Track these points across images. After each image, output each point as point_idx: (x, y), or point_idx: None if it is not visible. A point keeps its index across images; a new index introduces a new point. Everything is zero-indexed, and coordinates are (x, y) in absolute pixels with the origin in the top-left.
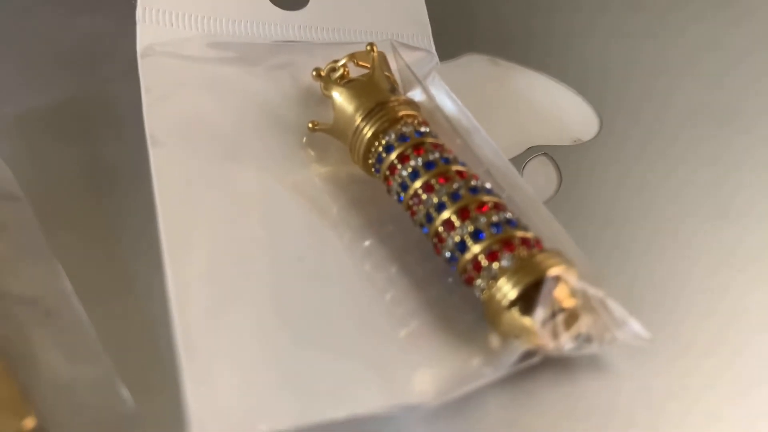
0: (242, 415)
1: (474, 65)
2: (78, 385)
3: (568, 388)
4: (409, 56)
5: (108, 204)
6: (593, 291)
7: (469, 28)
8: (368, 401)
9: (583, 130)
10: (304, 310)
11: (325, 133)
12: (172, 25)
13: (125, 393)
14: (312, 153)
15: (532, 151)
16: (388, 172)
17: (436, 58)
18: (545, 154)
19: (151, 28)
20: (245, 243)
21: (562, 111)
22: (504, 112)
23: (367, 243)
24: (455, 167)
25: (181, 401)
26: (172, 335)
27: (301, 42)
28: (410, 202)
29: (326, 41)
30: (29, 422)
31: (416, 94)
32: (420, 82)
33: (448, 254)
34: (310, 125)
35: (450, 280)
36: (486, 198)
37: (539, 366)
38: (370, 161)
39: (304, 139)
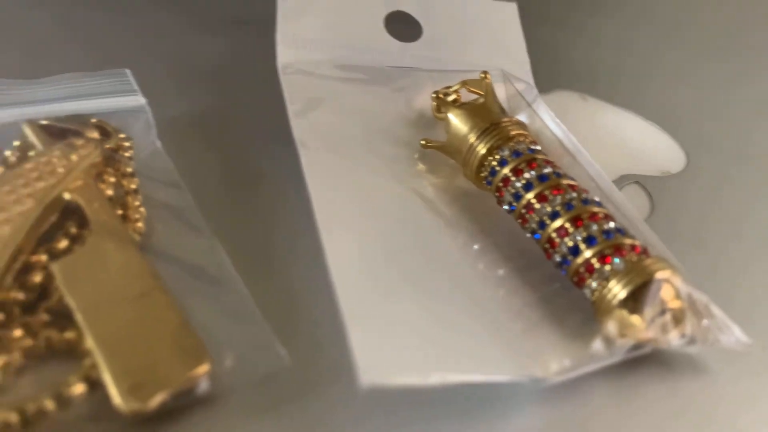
0: (402, 365)
1: (565, 100)
2: (237, 342)
3: (670, 384)
4: (513, 88)
5: (253, 194)
6: (698, 295)
7: (559, 66)
8: (501, 368)
9: (671, 164)
10: (435, 287)
11: (437, 150)
12: (305, 48)
13: (282, 350)
14: (423, 166)
15: (624, 179)
16: (501, 184)
17: (536, 90)
18: (637, 182)
19: (289, 50)
20: (383, 227)
21: (649, 145)
22: (594, 144)
23: (476, 247)
24: (567, 181)
25: (332, 359)
26: (318, 302)
27: (416, 69)
28: (522, 211)
29: (436, 71)
30: (205, 367)
31: (523, 118)
32: (529, 105)
33: (559, 258)
34: (423, 142)
35: (557, 285)
36: (596, 209)
37: (644, 363)
38: (482, 174)
39: (416, 154)
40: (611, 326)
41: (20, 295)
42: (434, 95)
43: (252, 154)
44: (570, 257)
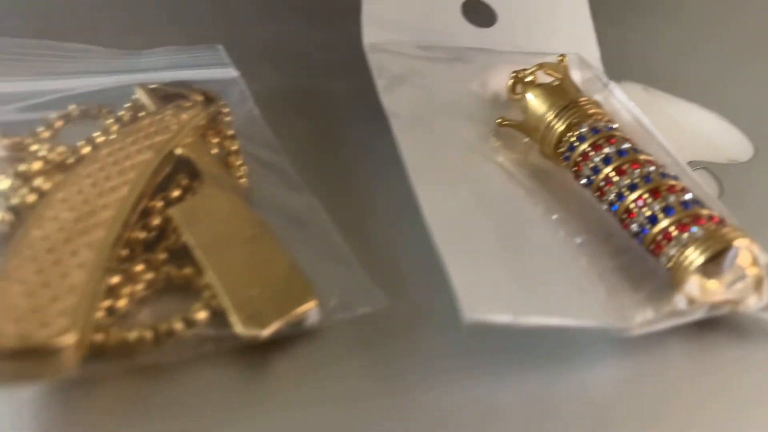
0: (500, 306)
1: (628, 91)
2: (337, 284)
3: (744, 347)
4: (587, 72)
5: (344, 157)
6: None
7: (621, 60)
8: (590, 316)
9: (738, 153)
10: (523, 246)
11: (512, 128)
12: (388, 29)
13: (379, 292)
14: (499, 143)
15: (692, 165)
16: (579, 159)
17: (606, 77)
18: (705, 168)
19: (373, 30)
20: (471, 186)
21: (714, 135)
22: (660, 133)
23: (554, 216)
24: (644, 156)
25: (422, 302)
26: (407, 251)
27: (492, 50)
28: (601, 184)
29: (510, 56)
30: (312, 303)
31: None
32: (605, 86)
33: (636, 228)
34: (499, 120)
35: (632, 254)
36: (674, 182)
37: (721, 326)
38: (560, 150)
39: (492, 132)
40: (689, 288)
41: (142, 235)
42: (513, 75)
43: (340, 123)
44: (648, 226)
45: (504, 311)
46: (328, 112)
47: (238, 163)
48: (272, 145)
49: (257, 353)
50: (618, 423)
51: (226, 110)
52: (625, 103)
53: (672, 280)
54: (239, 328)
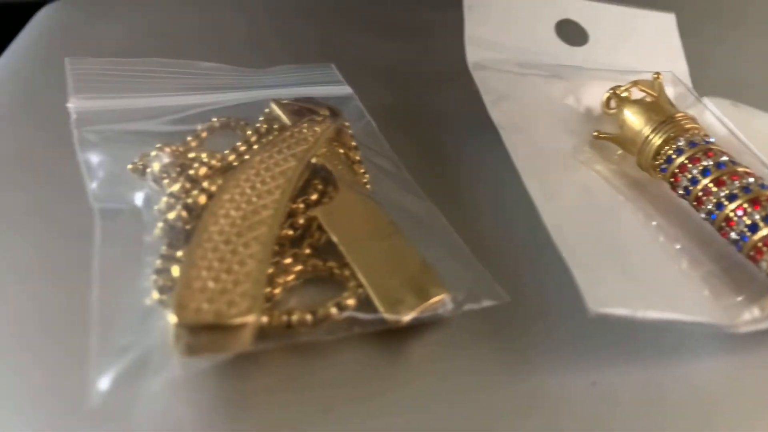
0: (619, 300)
1: (716, 106)
2: (462, 280)
3: None
4: (680, 88)
5: (455, 166)
6: None
7: (706, 76)
8: (699, 312)
9: None
10: (629, 248)
11: (608, 141)
12: (489, 49)
13: (501, 289)
14: (597, 154)
15: None
16: (677, 170)
17: (695, 94)
18: None
19: (476, 50)
20: (578, 190)
21: None
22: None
23: (654, 223)
24: (742, 168)
25: (542, 296)
26: (519, 248)
27: (585, 68)
28: (699, 194)
29: (601, 73)
30: (443, 296)
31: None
32: (698, 101)
33: (736, 235)
34: (596, 133)
35: (731, 260)
36: None
37: None
38: (657, 162)
39: (586, 145)
40: None
41: (290, 232)
42: (610, 91)
43: (447, 134)
44: (748, 234)
45: (624, 305)
46: (434, 123)
47: (362, 170)
48: (389, 155)
49: (395, 337)
50: (723, 413)
51: (347, 123)
52: (719, 118)
53: None
54: (386, 314)
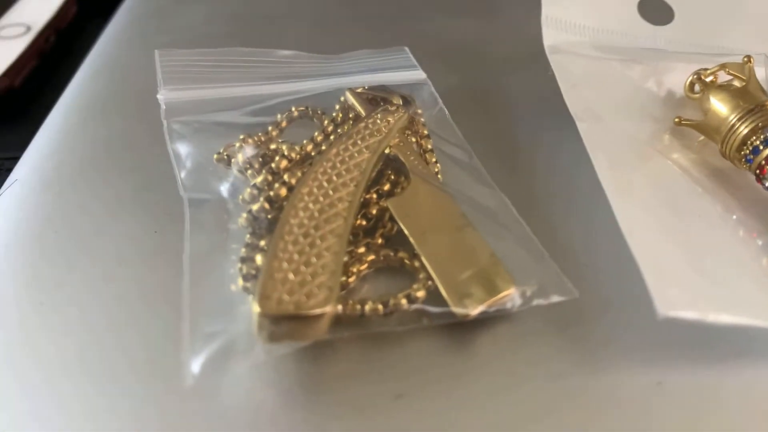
0: (689, 303)
1: None
2: (532, 274)
3: None
4: None
5: (521, 156)
6: None
7: None
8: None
9: None
10: (705, 243)
11: (690, 128)
12: (566, 31)
13: (570, 284)
14: (676, 142)
15: None
16: (764, 162)
17: None
18: None
19: (553, 33)
20: (654, 183)
21: None
22: None
23: (734, 216)
24: None
25: (612, 293)
26: (591, 245)
27: (666, 51)
28: None
29: (687, 54)
30: (512, 290)
31: None
32: None
33: None
34: (677, 120)
35: None
36: None
37: None
38: (743, 152)
39: (666, 131)
40: None
41: (363, 222)
42: (695, 75)
43: (520, 120)
44: None
45: (694, 308)
46: (507, 108)
47: (434, 160)
48: (461, 144)
49: (464, 329)
50: None
51: (419, 111)
52: None
53: None
54: (454, 307)
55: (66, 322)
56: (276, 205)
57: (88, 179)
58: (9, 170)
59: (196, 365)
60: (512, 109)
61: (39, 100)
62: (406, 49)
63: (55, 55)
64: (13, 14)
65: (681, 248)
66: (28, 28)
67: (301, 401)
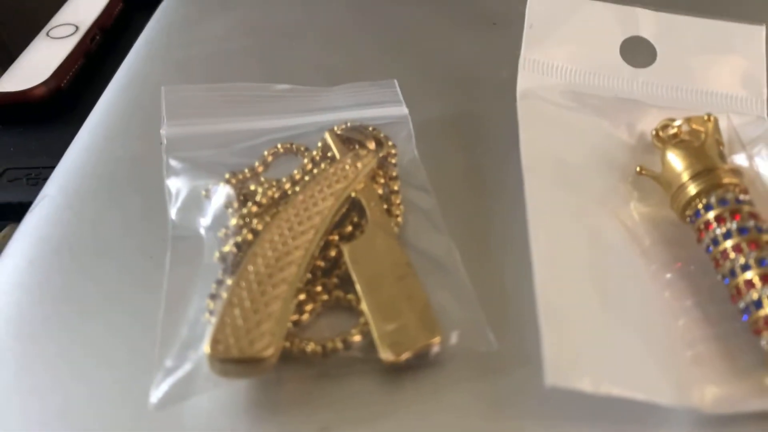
0: (580, 373)
1: None
2: (459, 323)
3: None
4: (739, 119)
5: (483, 199)
6: None
7: None
8: (662, 393)
9: None
10: (621, 309)
11: (650, 178)
12: (544, 74)
13: (491, 336)
14: (635, 192)
15: None
16: (702, 226)
17: (767, 124)
18: None
19: (529, 76)
20: (585, 245)
21: None
22: None
23: (668, 276)
24: (767, 237)
25: (532, 348)
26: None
27: (641, 102)
28: (717, 256)
29: (664, 98)
30: (438, 339)
31: (741, 158)
32: (744, 148)
33: (743, 306)
34: (638, 169)
35: (737, 324)
36: None
37: None
38: (687, 213)
39: (630, 179)
40: None
41: (321, 263)
42: (654, 132)
43: (490, 153)
44: (753, 309)
45: (587, 379)
46: (479, 139)
47: (398, 202)
48: (425, 188)
49: (393, 372)
50: None
51: (393, 151)
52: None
53: (764, 364)
54: (382, 354)
55: (72, 329)
56: (243, 248)
57: (102, 200)
58: (45, 179)
59: (154, 397)
60: (486, 140)
61: (84, 101)
62: (395, 82)
63: (101, 52)
64: (63, 15)
65: (596, 310)
66: (77, 28)
67: (246, 427)
